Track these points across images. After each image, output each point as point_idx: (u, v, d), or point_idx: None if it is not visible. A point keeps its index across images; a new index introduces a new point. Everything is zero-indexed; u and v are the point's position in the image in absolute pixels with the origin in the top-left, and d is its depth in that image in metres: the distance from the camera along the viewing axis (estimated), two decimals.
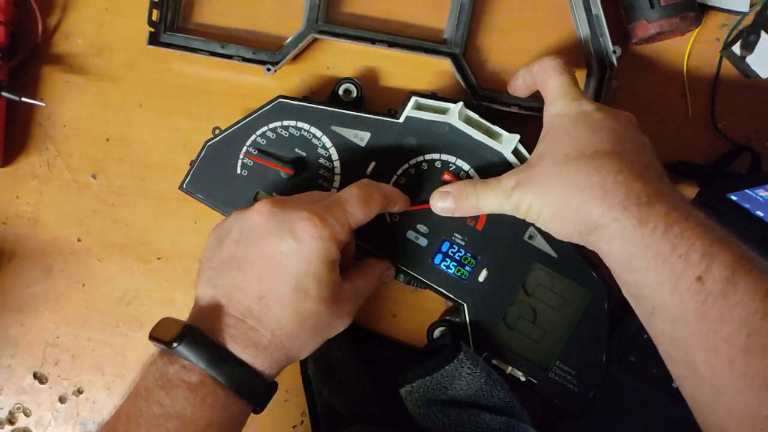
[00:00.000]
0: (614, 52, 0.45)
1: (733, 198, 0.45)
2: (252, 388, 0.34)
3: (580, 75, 0.48)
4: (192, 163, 0.44)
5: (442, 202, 0.41)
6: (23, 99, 0.45)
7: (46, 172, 0.49)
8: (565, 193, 0.35)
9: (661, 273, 0.31)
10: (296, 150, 0.44)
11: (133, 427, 0.32)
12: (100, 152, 0.49)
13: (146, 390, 0.32)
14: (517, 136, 0.42)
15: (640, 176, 0.34)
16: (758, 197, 0.43)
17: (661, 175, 0.36)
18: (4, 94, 0.45)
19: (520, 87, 0.44)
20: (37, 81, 0.48)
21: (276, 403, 0.48)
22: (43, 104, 0.48)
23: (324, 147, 0.44)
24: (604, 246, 0.34)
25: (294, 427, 0.49)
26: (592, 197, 0.34)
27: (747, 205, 0.45)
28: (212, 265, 0.36)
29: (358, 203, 0.36)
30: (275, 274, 0.34)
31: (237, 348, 0.33)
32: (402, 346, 0.48)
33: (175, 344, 0.32)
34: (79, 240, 0.49)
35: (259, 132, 0.43)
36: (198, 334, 0.33)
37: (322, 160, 0.44)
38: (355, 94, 0.46)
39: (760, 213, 0.45)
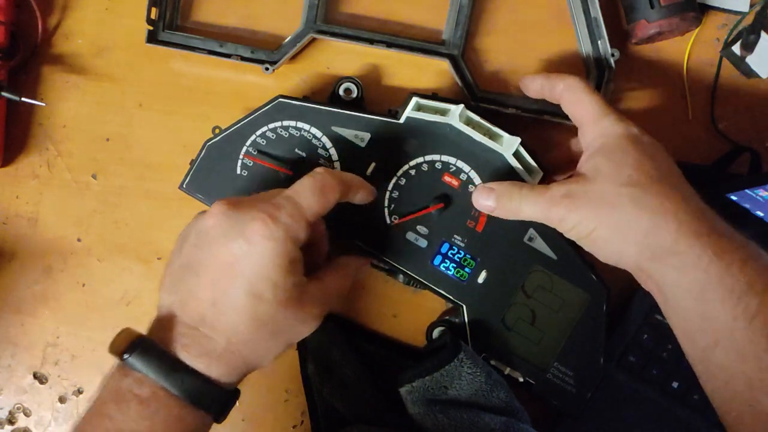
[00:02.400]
0: (612, 54, 0.45)
1: (733, 198, 0.45)
2: (207, 398, 0.32)
3: (580, 76, 0.48)
4: (192, 163, 0.44)
5: (485, 200, 0.39)
6: (23, 99, 0.45)
7: (46, 172, 0.49)
8: (634, 216, 0.34)
9: (736, 308, 0.31)
10: (296, 150, 0.44)
11: None
12: (100, 152, 0.49)
13: (101, 405, 0.32)
14: (518, 139, 0.41)
15: (706, 208, 0.35)
16: (758, 197, 0.43)
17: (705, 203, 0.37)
18: (4, 94, 0.45)
19: (533, 90, 0.43)
20: (38, 81, 0.48)
21: (276, 403, 0.48)
22: (43, 104, 0.48)
23: (324, 147, 0.44)
24: (671, 273, 0.34)
25: (294, 427, 0.49)
26: (666, 222, 0.34)
27: (747, 205, 0.45)
28: (172, 270, 0.35)
29: (312, 195, 0.34)
30: (228, 278, 0.32)
31: (189, 357, 0.32)
32: (402, 346, 0.48)
33: (125, 356, 0.31)
34: (79, 240, 0.49)
35: (259, 132, 0.43)
36: (149, 344, 0.32)
37: (322, 161, 0.44)
38: (355, 93, 0.46)
39: (760, 213, 0.45)
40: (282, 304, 0.33)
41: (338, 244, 0.42)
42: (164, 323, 0.33)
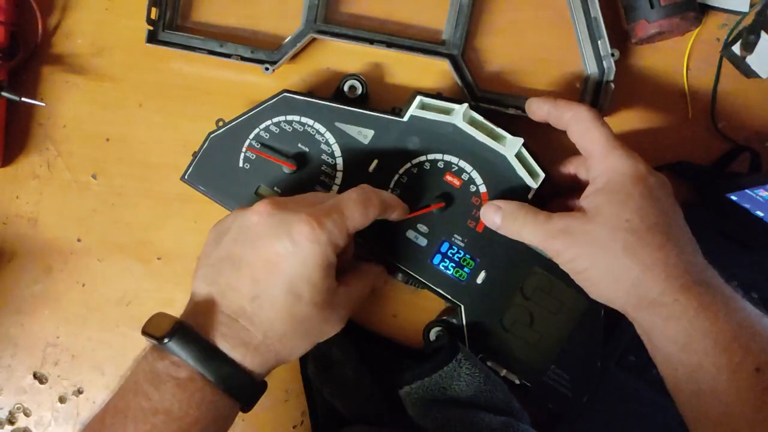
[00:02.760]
0: (612, 54, 0.45)
1: (733, 198, 0.45)
2: (240, 387, 0.34)
3: (579, 77, 0.48)
4: (194, 155, 0.44)
5: (492, 216, 0.40)
6: (23, 99, 0.45)
7: (46, 172, 0.49)
8: (624, 264, 0.35)
9: (720, 359, 0.32)
10: (299, 145, 0.43)
11: (120, 419, 0.32)
12: (100, 152, 0.49)
13: (135, 384, 0.33)
14: (521, 140, 0.41)
15: (695, 256, 0.36)
16: (758, 197, 0.43)
17: (699, 250, 0.37)
18: (4, 94, 0.45)
19: (539, 116, 0.42)
20: (37, 81, 0.48)
21: (276, 403, 0.48)
22: (43, 104, 0.48)
23: (327, 143, 0.43)
24: (658, 321, 0.35)
25: (294, 427, 0.49)
26: (654, 274, 0.34)
27: (747, 205, 0.45)
28: (209, 262, 0.36)
29: (356, 208, 0.36)
30: (270, 275, 0.34)
31: (227, 346, 0.34)
32: (402, 346, 0.48)
33: (165, 340, 0.32)
34: (79, 240, 0.49)
35: (262, 126, 0.43)
36: (189, 330, 0.33)
37: (324, 156, 0.44)
38: (360, 90, 0.46)
39: (760, 213, 0.45)
40: (317, 305, 0.35)
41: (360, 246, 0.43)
42: (202, 311, 0.35)
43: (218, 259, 0.36)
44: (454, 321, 0.45)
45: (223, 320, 0.34)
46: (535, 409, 0.45)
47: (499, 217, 0.40)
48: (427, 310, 0.48)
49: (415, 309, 0.48)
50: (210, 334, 0.34)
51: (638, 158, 0.38)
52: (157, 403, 0.32)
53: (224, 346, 0.34)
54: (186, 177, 0.44)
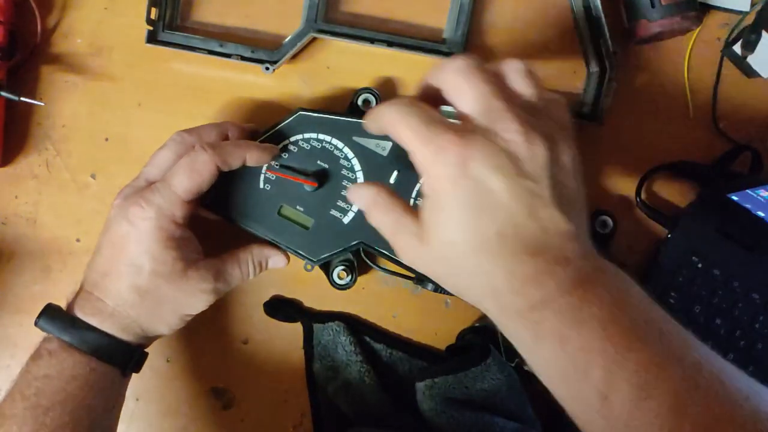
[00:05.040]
0: (614, 52, 0.45)
1: (734, 198, 0.45)
2: (107, 350, 0.38)
3: (580, 76, 0.48)
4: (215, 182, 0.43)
5: (358, 198, 0.36)
6: (22, 98, 0.45)
7: (45, 172, 0.49)
8: (459, 285, 0.32)
9: (569, 390, 0.29)
10: (319, 162, 0.43)
11: (9, 394, 0.37)
12: (99, 152, 0.49)
13: (23, 367, 0.38)
14: None
15: (534, 276, 0.29)
16: (759, 197, 0.43)
17: (564, 237, 0.30)
18: (3, 93, 0.44)
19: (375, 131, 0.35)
20: (36, 80, 0.48)
21: (275, 403, 0.48)
22: (42, 104, 0.48)
23: (346, 158, 0.43)
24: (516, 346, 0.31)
25: (294, 427, 0.48)
26: (486, 302, 0.31)
27: (748, 206, 0.45)
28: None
29: (183, 174, 0.38)
30: (116, 253, 0.38)
31: (84, 315, 0.38)
32: (409, 344, 0.48)
33: (36, 321, 0.38)
34: (78, 240, 0.49)
35: (280, 146, 0.43)
36: (53, 308, 0.38)
37: (344, 171, 0.43)
38: (374, 104, 0.46)
39: (761, 213, 0.45)
40: (162, 276, 0.38)
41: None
42: (74, 293, 0.40)
43: (94, 251, 0.40)
44: (489, 325, 0.44)
45: (83, 295, 0.39)
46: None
47: (364, 203, 0.35)
48: (427, 310, 0.48)
49: (416, 309, 0.48)
50: (72, 309, 0.38)
51: (449, 149, 0.29)
52: (36, 372, 0.37)
53: (81, 314, 0.38)
54: (207, 204, 0.43)
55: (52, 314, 0.38)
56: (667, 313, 0.29)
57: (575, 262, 0.29)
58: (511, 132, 0.29)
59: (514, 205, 0.29)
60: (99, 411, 0.38)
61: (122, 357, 0.39)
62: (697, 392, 0.26)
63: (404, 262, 0.34)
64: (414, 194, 0.43)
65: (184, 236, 0.39)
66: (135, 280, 0.38)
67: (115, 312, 0.38)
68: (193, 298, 0.40)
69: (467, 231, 0.29)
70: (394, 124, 0.31)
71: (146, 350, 0.41)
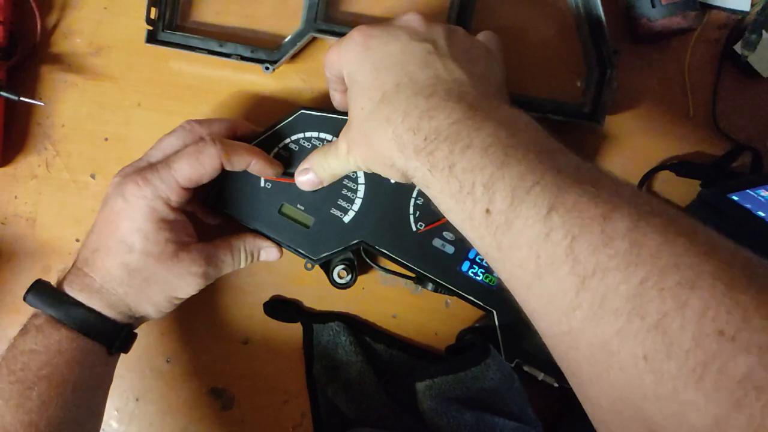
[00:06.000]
0: (615, 52, 0.45)
1: (735, 198, 0.45)
2: (93, 327, 0.38)
3: (579, 76, 0.48)
4: (215, 180, 0.43)
5: (304, 176, 0.40)
6: (22, 98, 0.45)
7: (44, 171, 0.49)
8: (374, 152, 0.33)
9: (461, 213, 0.30)
10: None
11: None
12: (98, 152, 0.49)
13: (10, 342, 0.38)
14: None
15: (426, 111, 0.31)
16: (759, 197, 0.43)
17: (460, 83, 0.32)
18: (2, 93, 0.44)
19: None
20: (36, 80, 0.48)
21: (276, 403, 0.48)
22: (42, 104, 0.48)
23: None
24: (425, 191, 0.32)
25: (294, 427, 0.48)
26: (391, 151, 0.32)
27: (748, 205, 0.45)
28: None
29: (186, 161, 0.38)
30: (109, 230, 0.38)
31: (72, 291, 0.38)
32: (409, 345, 0.48)
33: (25, 296, 0.38)
34: (77, 240, 0.49)
35: (281, 145, 0.43)
36: (42, 284, 0.38)
37: None
38: None
39: (761, 213, 0.45)
40: (153, 255, 0.38)
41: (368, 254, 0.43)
42: (66, 270, 0.40)
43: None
44: (489, 326, 0.44)
45: (73, 271, 0.39)
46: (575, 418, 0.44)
47: (312, 175, 0.40)
48: (428, 310, 0.48)
49: (415, 309, 0.48)
50: (61, 285, 0.38)
51: (357, 33, 0.35)
52: (23, 346, 0.37)
53: (69, 290, 0.38)
54: (209, 202, 0.43)
55: (40, 289, 0.38)
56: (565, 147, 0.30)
57: (469, 99, 0.31)
58: (409, 17, 0.35)
59: (409, 59, 0.33)
60: (85, 389, 0.38)
61: (108, 334, 0.39)
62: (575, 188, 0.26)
63: (353, 168, 0.37)
64: (414, 194, 0.43)
65: (178, 219, 0.39)
66: (124, 257, 0.38)
67: (102, 288, 0.38)
68: (183, 280, 0.40)
69: (371, 90, 0.33)
70: (325, 64, 0.37)
71: (135, 331, 0.41)
